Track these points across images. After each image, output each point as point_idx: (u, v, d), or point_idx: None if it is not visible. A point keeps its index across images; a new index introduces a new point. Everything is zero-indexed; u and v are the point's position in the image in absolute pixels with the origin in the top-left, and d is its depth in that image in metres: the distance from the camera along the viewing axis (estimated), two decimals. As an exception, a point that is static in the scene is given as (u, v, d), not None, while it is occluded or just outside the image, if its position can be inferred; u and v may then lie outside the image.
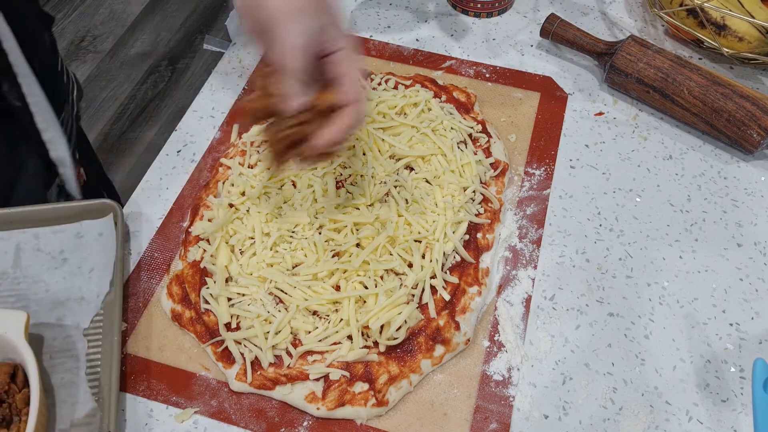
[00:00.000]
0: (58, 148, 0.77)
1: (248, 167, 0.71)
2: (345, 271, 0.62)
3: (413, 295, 0.62)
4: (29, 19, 0.74)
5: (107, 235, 0.67)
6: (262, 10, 0.51)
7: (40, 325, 0.61)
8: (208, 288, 0.63)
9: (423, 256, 0.64)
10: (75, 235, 0.67)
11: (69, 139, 0.81)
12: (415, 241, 0.65)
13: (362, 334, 0.60)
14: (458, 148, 0.72)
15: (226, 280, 0.63)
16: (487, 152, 0.73)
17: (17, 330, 0.55)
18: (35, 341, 0.60)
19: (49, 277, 0.65)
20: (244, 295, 0.62)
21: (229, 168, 0.72)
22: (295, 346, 0.60)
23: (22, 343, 0.55)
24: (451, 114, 0.75)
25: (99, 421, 0.56)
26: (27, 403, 0.54)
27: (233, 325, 0.61)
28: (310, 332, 0.60)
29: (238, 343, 0.60)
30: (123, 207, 0.70)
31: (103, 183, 0.99)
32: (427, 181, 0.69)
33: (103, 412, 0.56)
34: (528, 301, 0.65)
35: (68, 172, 0.80)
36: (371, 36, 0.88)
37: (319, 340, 0.59)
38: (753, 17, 0.78)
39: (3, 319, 0.56)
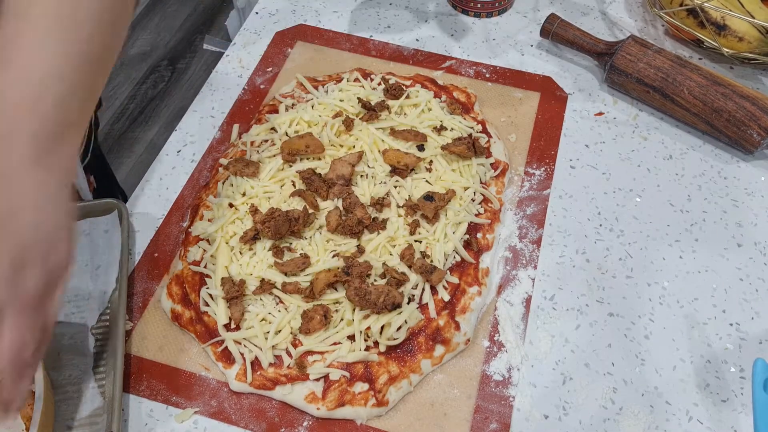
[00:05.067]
0: None
1: (248, 167, 0.71)
2: (345, 271, 0.62)
3: (413, 295, 0.62)
4: None
5: (112, 231, 0.67)
6: None
7: None
8: (207, 288, 0.63)
9: (423, 256, 0.64)
10: (82, 232, 0.67)
11: (85, 148, 0.80)
12: (416, 241, 0.65)
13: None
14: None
15: (226, 280, 0.63)
16: (488, 152, 0.73)
17: None
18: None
19: None
20: (244, 295, 0.62)
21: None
22: (295, 346, 0.60)
23: None
24: (450, 114, 0.76)
25: (107, 418, 0.56)
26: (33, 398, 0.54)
27: (233, 326, 0.61)
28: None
29: (238, 343, 0.60)
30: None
31: (114, 192, 0.98)
32: (427, 182, 0.69)
33: (107, 410, 0.57)
34: (528, 301, 0.65)
35: (81, 181, 0.80)
36: (371, 36, 0.88)
37: (320, 341, 0.59)
38: (753, 17, 0.78)
39: None
